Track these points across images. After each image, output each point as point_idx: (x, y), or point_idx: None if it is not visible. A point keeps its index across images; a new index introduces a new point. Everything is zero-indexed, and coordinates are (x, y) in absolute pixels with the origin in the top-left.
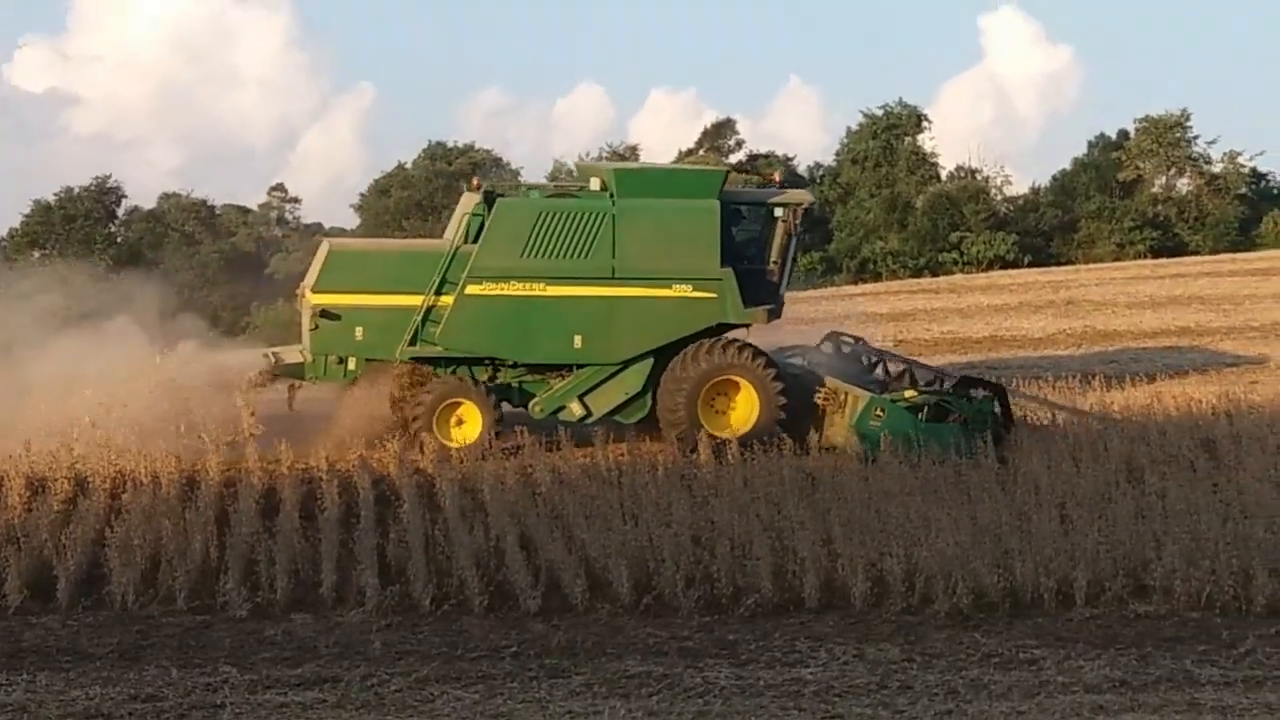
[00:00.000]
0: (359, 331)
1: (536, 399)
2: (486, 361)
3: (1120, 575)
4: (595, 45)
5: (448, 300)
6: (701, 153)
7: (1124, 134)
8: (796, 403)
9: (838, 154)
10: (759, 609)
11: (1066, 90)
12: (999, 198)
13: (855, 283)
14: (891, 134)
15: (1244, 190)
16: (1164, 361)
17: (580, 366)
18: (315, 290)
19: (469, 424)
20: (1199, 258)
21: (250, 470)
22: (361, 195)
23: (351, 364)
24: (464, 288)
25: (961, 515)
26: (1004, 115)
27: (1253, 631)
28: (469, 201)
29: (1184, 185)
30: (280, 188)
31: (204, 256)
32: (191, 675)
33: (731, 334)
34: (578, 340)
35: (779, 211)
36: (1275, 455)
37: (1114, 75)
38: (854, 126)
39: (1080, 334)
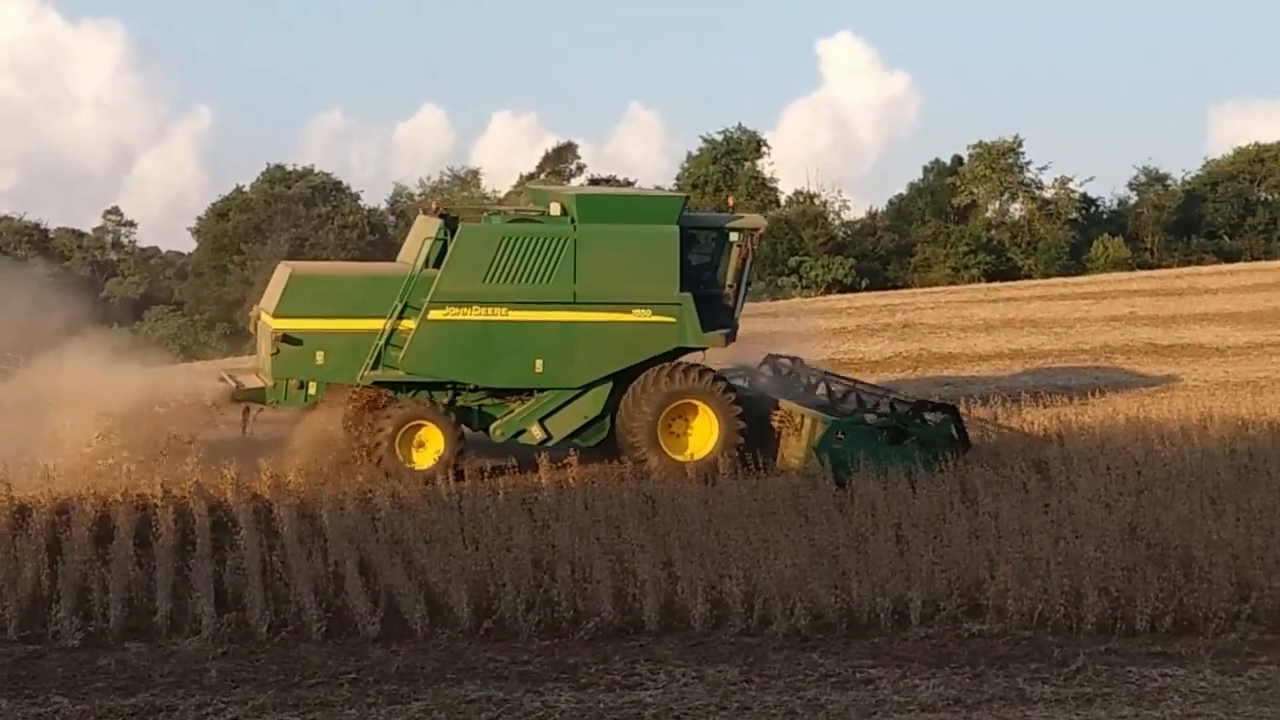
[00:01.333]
0: (320, 356)
1: (497, 422)
2: (448, 385)
3: (955, 595)
4: (437, 68)
5: (410, 325)
6: (543, 177)
7: (958, 160)
8: (749, 425)
9: (678, 178)
10: (599, 632)
11: (904, 116)
12: (837, 222)
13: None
14: (731, 159)
15: (1074, 215)
16: (997, 384)
17: (541, 390)
18: (276, 315)
19: (430, 447)
20: (1031, 281)
21: (83, 497)
22: (199, 219)
23: (312, 388)
24: (427, 312)
25: (800, 537)
26: (843, 140)
27: (1083, 649)
28: (428, 226)
29: (1017, 210)
30: (116, 211)
31: (38, 279)
32: (22, 706)
33: (687, 357)
34: (539, 364)
35: (734, 236)
36: (1105, 476)
37: (949, 102)
38: (694, 151)
39: (916, 357)
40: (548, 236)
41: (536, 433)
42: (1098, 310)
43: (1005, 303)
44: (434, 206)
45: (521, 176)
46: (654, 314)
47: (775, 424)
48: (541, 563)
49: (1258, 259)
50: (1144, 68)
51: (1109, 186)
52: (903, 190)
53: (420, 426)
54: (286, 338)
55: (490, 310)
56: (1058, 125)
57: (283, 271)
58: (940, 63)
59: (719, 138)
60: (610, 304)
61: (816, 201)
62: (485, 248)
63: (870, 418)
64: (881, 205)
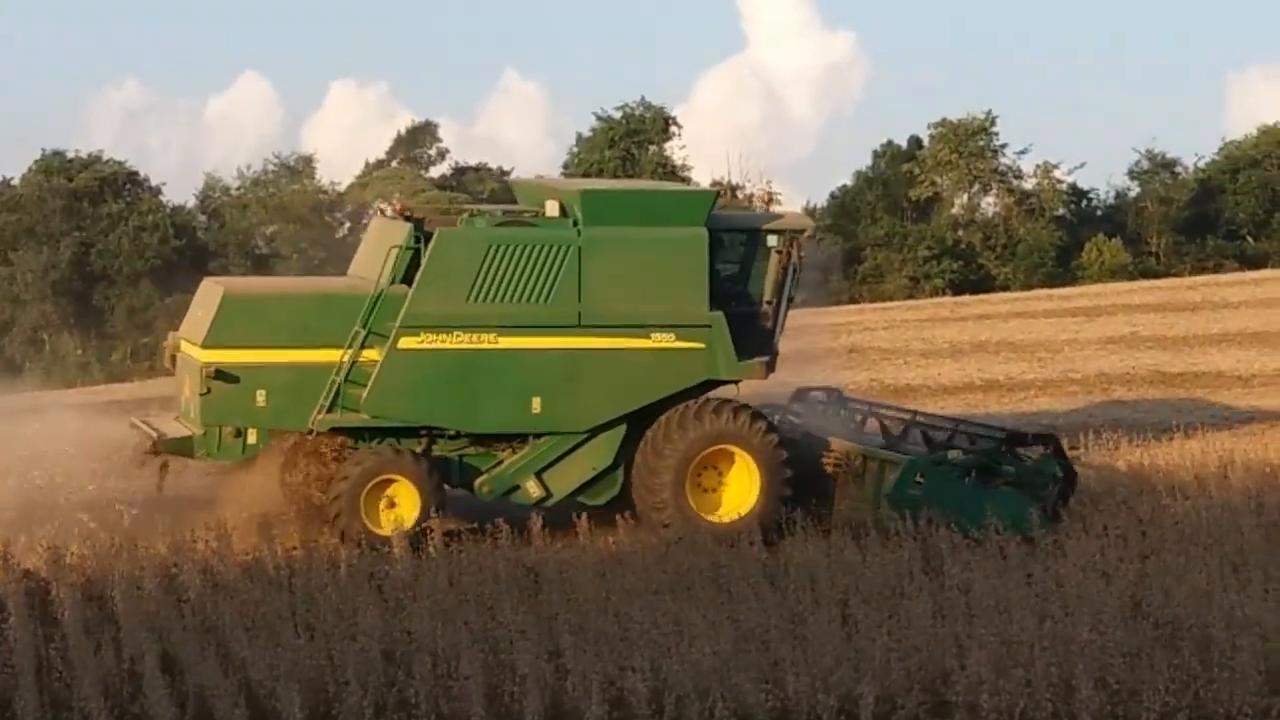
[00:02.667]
0: (261, 396)
1: (483, 477)
2: (422, 431)
3: (916, 689)
4: (260, 26)
5: (373, 355)
6: (395, 164)
7: (917, 142)
8: (797, 474)
9: (567, 166)
10: None
11: (848, 88)
12: None
13: None
14: (632, 141)
15: (1062, 211)
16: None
17: (538, 436)
18: (206, 345)
19: (403, 506)
20: (1009, 294)
21: None
22: None
23: (252, 436)
24: (396, 340)
25: (721, 618)
26: (773, 118)
27: None
28: (393, 231)
29: (990, 205)
30: None
31: None
32: None
33: (715, 392)
34: (536, 404)
35: (773, 240)
36: (1102, 539)
37: (905, 70)
38: (586, 132)
39: (865, 389)
40: (546, 244)
41: (533, 489)
42: (1091, 330)
43: (976, 321)
44: (398, 207)
45: (368, 164)
46: (678, 339)
47: (829, 469)
48: (394, 654)
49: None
50: (1146, 27)
51: (1104, 175)
52: (848, 181)
53: (389, 482)
54: (219, 373)
55: (475, 336)
56: (1040, 99)
57: (211, 291)
58: (893, 20)
59: (617, 115)
60: (624, 327)
61: (740, 195)
62: (468, 258)
63: (954, 454)
64: (822, 199)
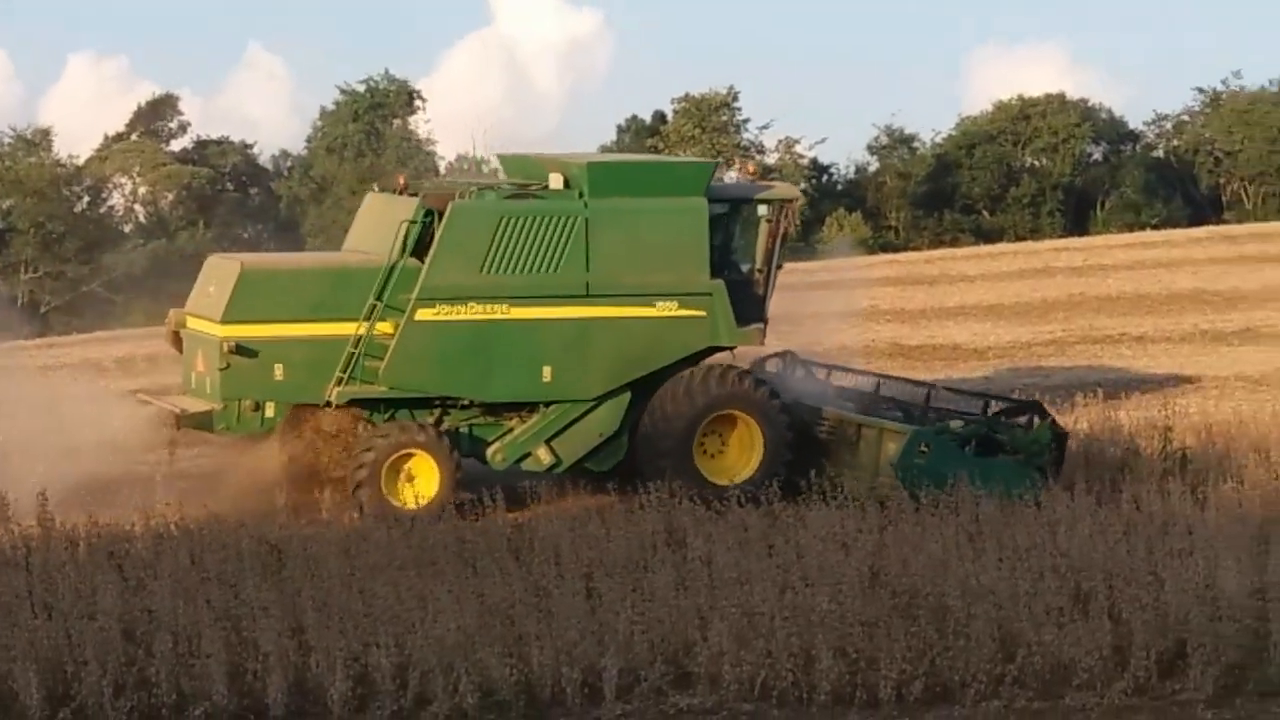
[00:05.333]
0: (279, 370)
1: (496, 446)
2: (436, 402)
3: (659, 661)
4: None
5: (387, 328)
6: (135, 137)
7: (661, 117)
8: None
9: (310, 140)
10: (210, 719)
11: (594, 63)
12: None
13: None
14: (376, 115)
15: (803, 186)
16: None
17: (548, 404)
18: (225, 320)
19: (423, 480)
20: None
21: None
22: None
23: (270, 410)
24: (413, 312)
25: (466, 592)
26: (518, 92)
27: None
28: (400, 206)
29: (732, 179)
30: None
31: None
32: None
33: (715, 359)
34: (547, 372)
35: (763, 209)
36: (841, 509)
37: (650, 47)
38: (330, 106)
39: None
40: (555, 215)
41: (544, 456)
42: (835, 304)
43: None
44: (401, 182)
45: (107, 137)
46: (681, 307)
47: (823, 436)
48: (135, 633)
49: (1023, 238)
50: (885, 3)
51: (845, 150)
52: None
53: (410, 456)
54: (239, 348)
55: (489, 307)
56: (781, 75)
57: (224, 266)
58: None
59: (361, 88)
60: (630, 296)
61: (485, 169)
62: (481, 230)
63: (956, 424)
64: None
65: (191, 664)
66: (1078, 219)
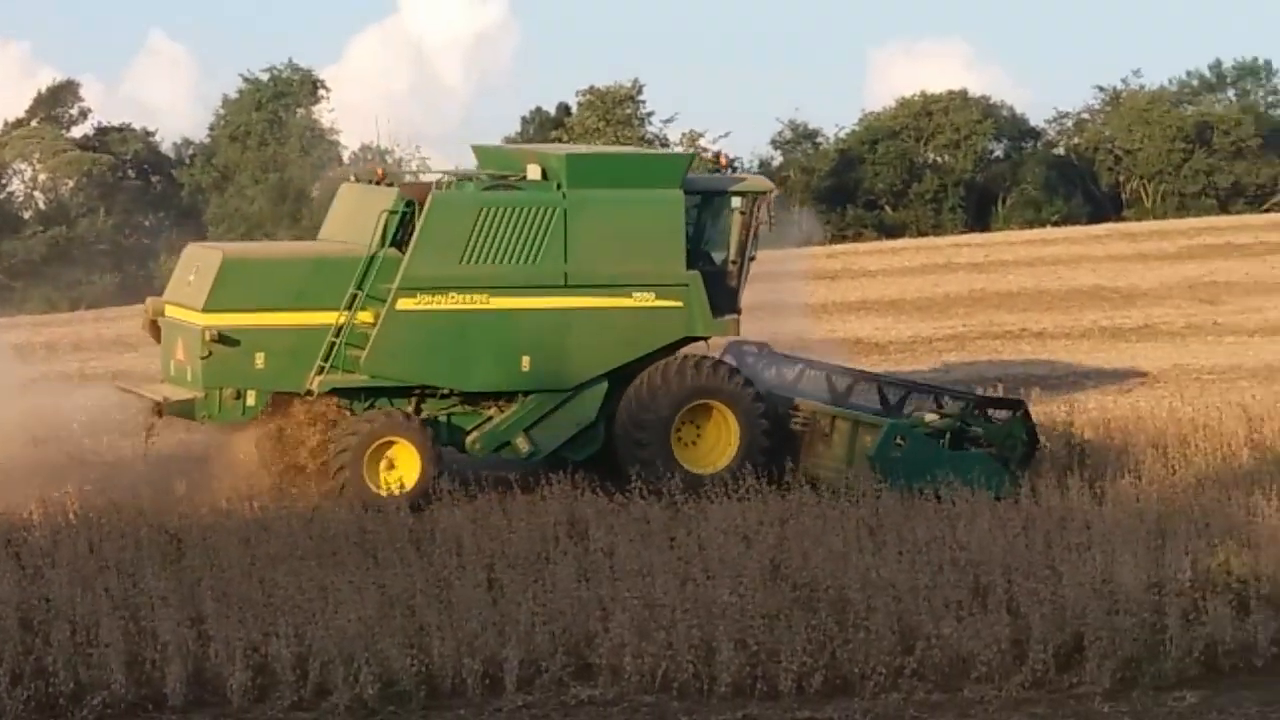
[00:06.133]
0: (260, 358)
1: (474, 434)
2: (415, 391)
3: (560, 652)
4: None
5: (368, 318)
6: (35, 123)
7: (565, 109)
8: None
9: (213, 129)
10: (108, 710)
11: (500, 55)
12: None
13: None
14: (280, 104)
15: None
16: None
17: (526, 394)
18: (207, 309)
19: (403, 468)
20: None
21: None
22: None
23: (250, 398)
24: (394, 302)
25: (366, 583)
26: (423, 84)
27: (716, 716)
28: (379, 196)
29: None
30: None
31: None
32: None
33: (689, 349)
34: (525, 362)
35: (736, 201)
36: (743, 502)
37: (555, 39)
38: (233, 94)
39: None
40: (533, 206)
41: (523, 445)
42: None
43: None
44: (379, 173)
45: (6, 123)
46: (658, 298)
47: (796, 427)
48: (32, 622)
49: (924, 234)
50: None
51: (749, 145)
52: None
53: (390, 444)
54: (221, 337)
55: (469, 297)
56: (686, 69)
57: (205, 255)
58: None
59: (264, 77)
60: (608, 287)
61: (389, 160)
62: (462, 221)
63: (930, 417)
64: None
65: (89, 653)
66: (979, 215)
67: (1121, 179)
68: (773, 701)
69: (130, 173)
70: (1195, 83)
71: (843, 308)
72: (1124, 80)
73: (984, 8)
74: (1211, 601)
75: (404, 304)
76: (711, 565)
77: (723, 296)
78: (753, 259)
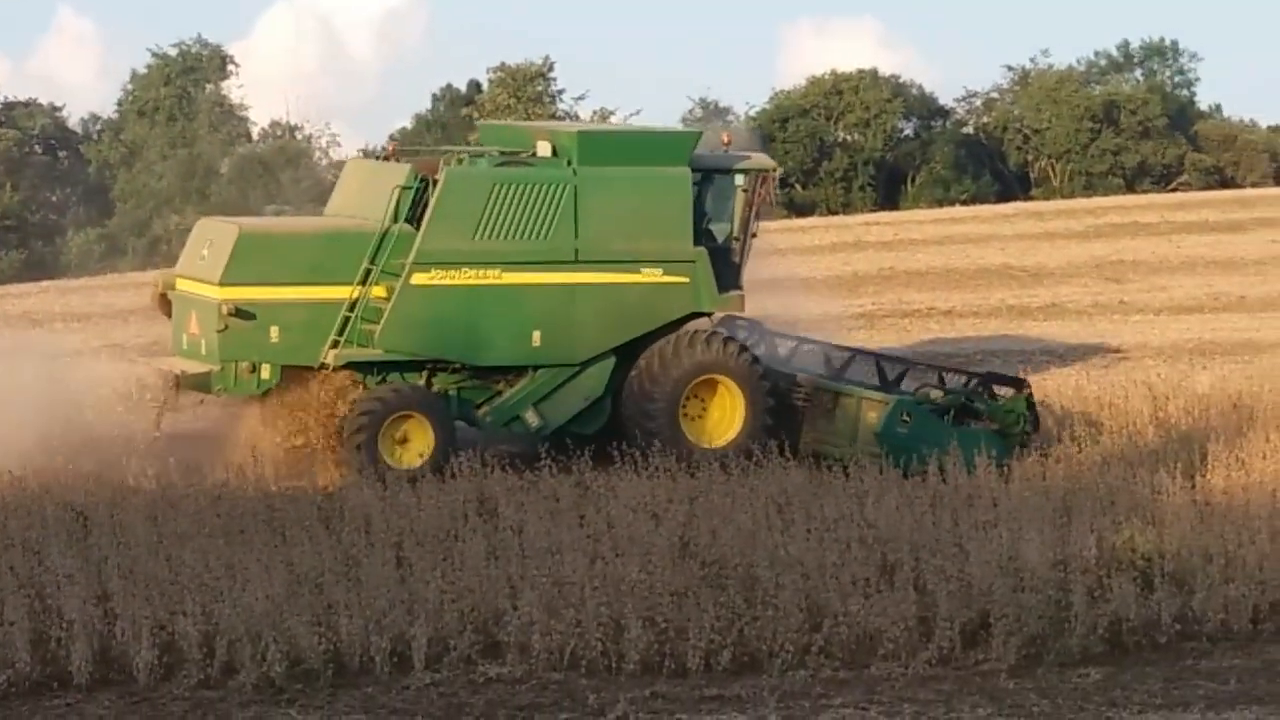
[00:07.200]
0: (275, 332)
1: (485, 408)
2: (427, 365)
3: (468, 630)
4: None
5: (381, 292)
6: None
7: (476, 86)
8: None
9: (120, 104)
10: (12, 689)
11: (410, 31)
12: (324, 163)
13: (144, 268)
14: (189, 79)
15: None
16: None
17: (536, 369)
18: (223, 283)
19: (416, 442)
20: None
21: None
22: None
23: (265, 371)
24: (409, 276)
25: (275, 561)
26: (334, 60)
27: (624, 694)
28: (390, 172)
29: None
30: None
31: None
32: None
33: (694, 324)
34: (536, 337)
35: (739, 179)
36: (651, 480)
37: (466, 16)
38: (141, 70)
39: None
40: (545, 183)
41: (532, 419)
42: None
43: None
44: (391, 149)
45: None
46: (665, 274)
47: (799, 403)
48: None
49: (834, 213)
50: None
51: (660, 122)
52: (408, 124)
53: (406, 418)
54: (238, 311)
55: (481, 272)
56: (598, 46)
57: (220, 229)
58: None
59: (173, 52)
60: (617, 263)
61: (298, 136)
62: (475, 196)
63: (935, 394)
64: (382, 141)
65: None
66: (889, 194)
67: (1030, 158)
68: (681, 679)
69: (37, 148)
70: (1103, 63)
71: (751, 285)
72: (1033, 60)
73: None
74: (1116, 579)
75: (418, 279)
76: (620, 543)
77: (727, 272)
78: (754, 235)
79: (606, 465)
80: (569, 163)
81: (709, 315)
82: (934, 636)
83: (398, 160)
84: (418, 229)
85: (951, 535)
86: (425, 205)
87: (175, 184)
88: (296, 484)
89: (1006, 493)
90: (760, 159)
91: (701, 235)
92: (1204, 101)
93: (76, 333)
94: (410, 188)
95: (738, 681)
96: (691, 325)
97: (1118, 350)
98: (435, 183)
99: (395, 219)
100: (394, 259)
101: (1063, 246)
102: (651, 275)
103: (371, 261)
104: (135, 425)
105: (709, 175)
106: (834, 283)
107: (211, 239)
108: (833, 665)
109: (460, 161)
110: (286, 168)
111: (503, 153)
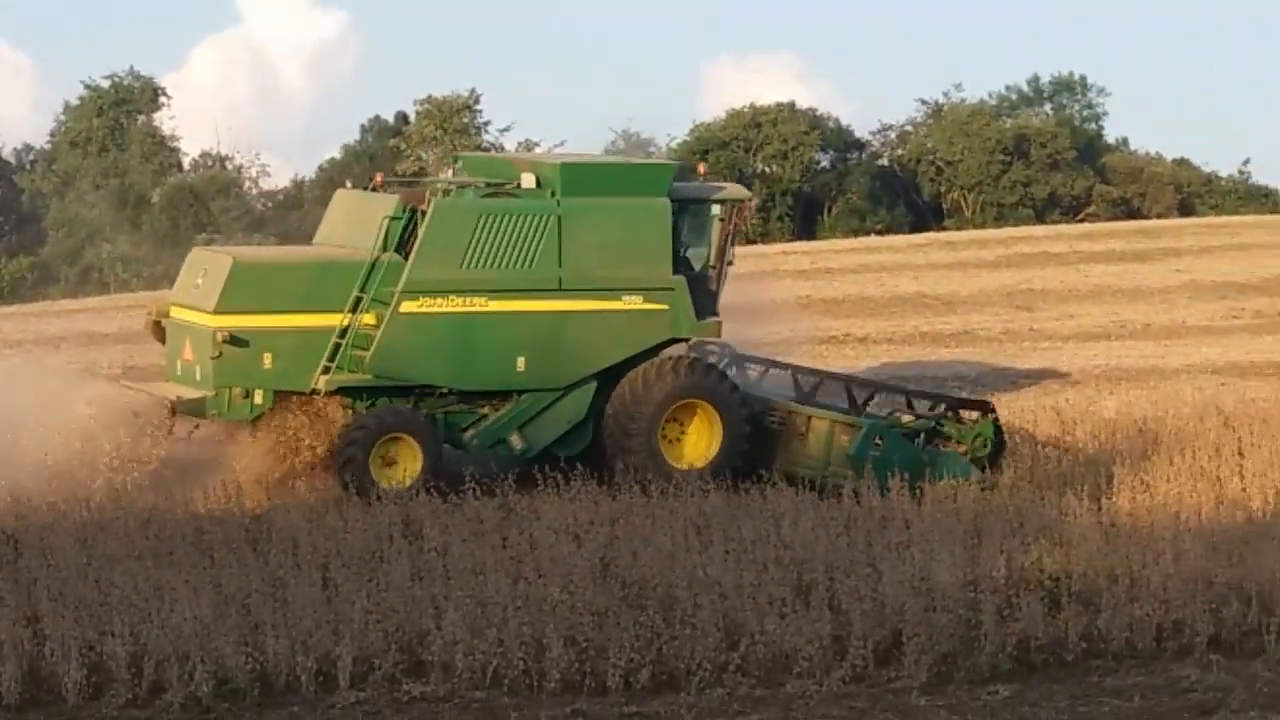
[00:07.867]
0: (268, 359)
1: (471, 431)
2: (415, 390)
3: (393, 650)
4: None
5: (370, 320)
6: None
7: (404, 118)
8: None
9: (53, 135)
10: None
11: (340, 64)
12: (254, 192)
13: (76, 295)
14: (121, 111)
15: None
16: None
17: (520, 393)
18: (218, 311)
19: (403, 463)
20: None
21: None
22: None
23: (258, 397)
24: (398, 304)
25: (203, 583)
26: (265, 92)
27: (545, 712)
28: (379, 203)
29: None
30: None
31: None
32: None
33: (671, 350)
34: (521, 362)
35: (716, 209)
36: (573, 503)
37: (395, 49)
38: (74, 101)
39: None
40: (529, 213)
41: (517, 442)
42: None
43: None
44: (378, 180)
45: None
46: (645, 301)
47: (774, 426)
48: None
49: (753, 242)
50: (628, 12)
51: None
52: (336, 154)
53: (395, 440)
54: (232, 338)
55: (469, 300)
56: (524, 79)
57: (214, 259)
58: (382, 2)
59: (105, 84)
60: (598, 290)
61: (229, 166)
62: (462, 226)
63: (906, 418)
64: (310, 172)
65: None
66: (806, 224)
67: (943, 189)
68: (601, 697)
69: None
70: (1014, 97)
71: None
72: (946, 94)
73: (813, 22)
74: (1025, 598)
75: (407, 306)
76: (542, 564)
77: (704, 299)
78: (730, 263)
79: (530, 488)
80: (552, 193)
81: (686, 340)
82: (848, 655)
83: (385, 191)
84: (406, 258)
85: (865, 556)
86: (413, 235)
87: (107, 213)
88: (225, 507)
89: (919, 514)
90: (736, 189)
91: (680, 263)
92: (1111, 135)
93: (6, 359)
94: (399, 218)
95: (656, 699)
96: (670, 350)
97: (1027, 376)
98: (423, 213)
99: (384, 249)
100: (384, 287)
101: (974, 275)
102: (632, 303)
103: (361, 290)
104: (95, 450)
105: (686, 205)
106: (752, 309)
107: (206, 268)
108: (749, 683)
109: (447, 193)
110: (217, 197)
111: (488, 184)
